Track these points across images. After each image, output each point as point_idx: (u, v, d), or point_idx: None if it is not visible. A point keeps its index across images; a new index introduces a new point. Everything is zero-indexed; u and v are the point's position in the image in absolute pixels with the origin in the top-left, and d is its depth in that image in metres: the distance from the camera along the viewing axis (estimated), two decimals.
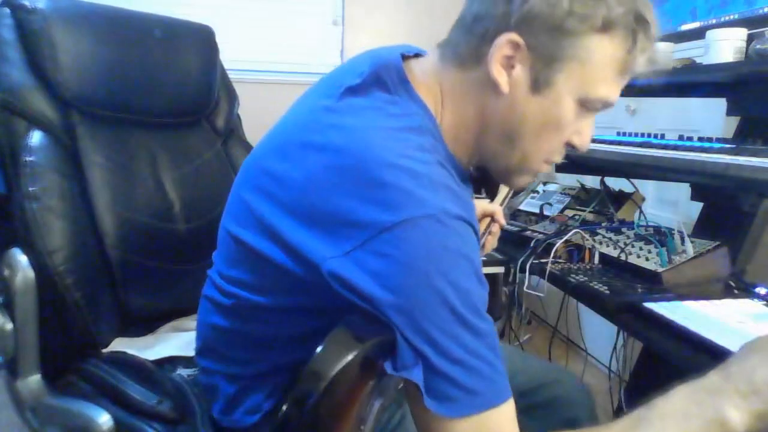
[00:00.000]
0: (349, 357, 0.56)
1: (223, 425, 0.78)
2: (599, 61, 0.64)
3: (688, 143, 1.04)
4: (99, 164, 1.04)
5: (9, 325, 0.91)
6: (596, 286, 0.99)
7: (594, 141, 1.17)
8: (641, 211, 1.38)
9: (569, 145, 0.71)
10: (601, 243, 1.18)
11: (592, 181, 1.56)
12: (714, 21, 1.23)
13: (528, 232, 1.34)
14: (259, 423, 0.75)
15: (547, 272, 1.11)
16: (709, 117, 1.68)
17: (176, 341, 1.03)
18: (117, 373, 0.90)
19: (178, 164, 1.18)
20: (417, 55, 0.74)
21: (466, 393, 0.55)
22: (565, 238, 1.17)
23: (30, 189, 0.93)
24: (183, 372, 0.93)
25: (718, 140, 1.03)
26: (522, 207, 1.55)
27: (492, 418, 0.56)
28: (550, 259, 1.14)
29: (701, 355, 0.76)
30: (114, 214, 1.04)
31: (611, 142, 1.18)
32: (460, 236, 0.58)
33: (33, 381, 0.92)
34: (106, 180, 1.05)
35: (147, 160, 1.13)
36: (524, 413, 0.61)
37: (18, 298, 0.90)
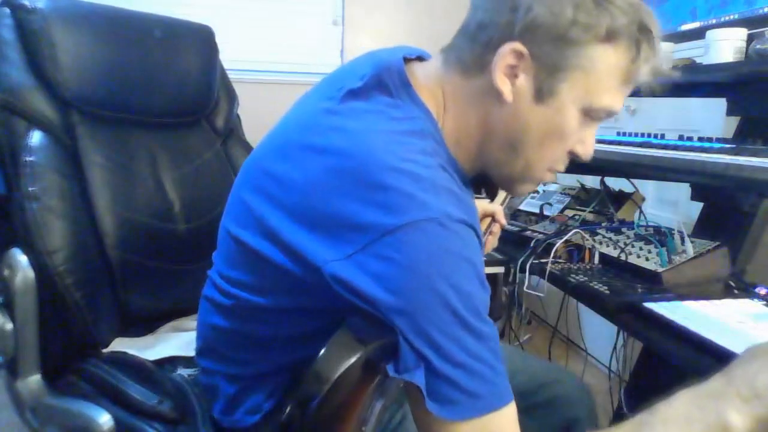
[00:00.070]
0: (352, 359, 0.57)
1: (224, 425, 0.78)
2: (603, 71, 0.64)
3: (688, 143, 1.04)
4: (99, 164, 1.04)
5: (9, 325, 0.91)
6: (596, 286, 1.00)
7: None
8: (641, 211, 1.38)
9: (572, 154, 0.71)
10: (601, 243, 1.18)
11: (592, 181, 1.56)
12: (714, 21, 1.22)
13: (528, 232, 1.34)
14: (260, 423, 0.75)
15: (547, 272, 1.11)
16: (709, 117, 1.68)
17: (176, 341, 1.03)
18: (117, 373, 0.90)
19: (178, 164, 1.18)
20: (419, 58, 0.73)
21: (467, 396, 0.56)
22: (565, 238, 1.17)
23: (30, 189, 0.93)
24: (183, 372, 0.93)
25: (718, 140, 1.03)
26: (522, 207, 1.55)
27: (494, 421, 0.57)
28: (550, 259, 1.14)
29: (701, 356, 0.76)
30: (114, 214, 1.04)
31: (611, 142, 1.18)
32: (463, 240, 0.58)
33: (33, 381, 0.92)
34: (106, 180, 1.05)
35: (147, 160, 1.13)
36: (524, 413, 0.61)
37: (18, 298, 0.90)
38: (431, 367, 0.55)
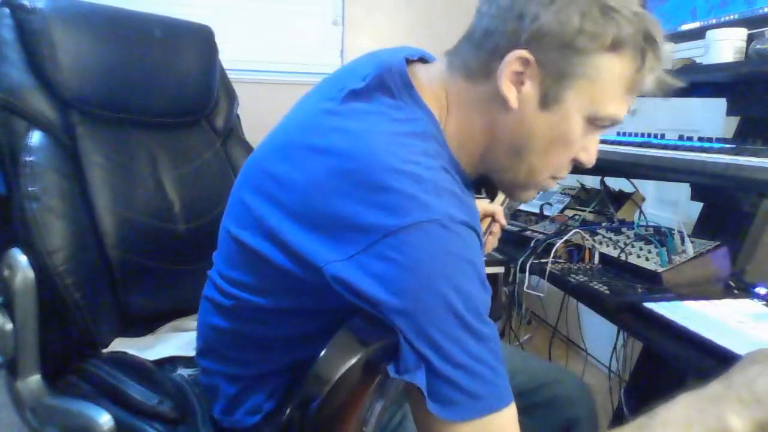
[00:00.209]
0: (352, 360, 0.57)
1: (224, 425, 0.78)
2: (608, 80, 0.64)
3: (688, 143, 1.04)
4: (99, 164, 1.04)
5: (9, 325, 0.90)
6: (596, 286, 1.00)
7: None
8: (641, 211, 1.38)
9: (576, 161, 0.71)
10: (601, 243, 1.18)
11: (592, 181, 1.56)
12: (714, 21, 1.23)
13: (528, 232, 1.34)
14: (260, 423, 0.75)
15: (547, 272, 1.11)
16: (709, 117, 1.68)
17: (176, 341, 1.03)
18: (117, 373, 0.90)
19: (177, 164, 1.18)
20: (421, 59, 0.73)
21: (468, 397, 0.56)
22: (565, 238, 1.17)
23: (30, 189, 0.93)
24: (183, 372, 0.93)
25: (718, 140, 1.03)
26: (522, 207, 1.55)
27: (494, 422, 0.57)
28: (550, 259, 1.14)
29: (701, 356, 0.76)
30: (114, 214, 1.04)
31: (611, 142, 1.18)
32: (464, 241, 0.58)
33: (33, 381, 0.92)
34: (106, 180, 1.05)
35: (147, 160, 1.13)
36: (524, 413, 0.61)
37: (18, 298, 0.90)
38: (432, 367, 0.56)
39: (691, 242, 1.04)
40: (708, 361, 0.74)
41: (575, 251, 1.17)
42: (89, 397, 0.87)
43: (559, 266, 1.14)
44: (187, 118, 1.25)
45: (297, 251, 0.61)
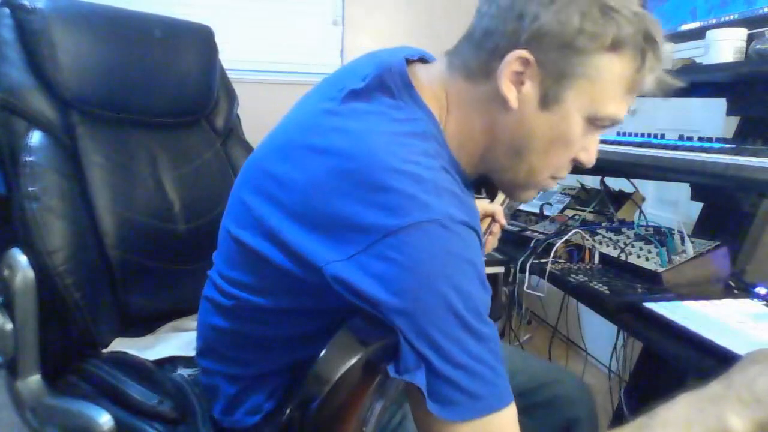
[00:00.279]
0: (352, 360, 0.56)
1: (224, 425, 0.78)
2: (608, 80, 0.64)
3: (688, 143, 1.04)
4: (99, 164, 1.04)
5: (9, 325, 0.90)
6: (596, 286, 1.00)
7: None
8: (641, 211, 1.38)
9: (576, 161, 0.71)
10: (601, 243, 1.18)
11: (592, 181, 1.56)
12: (714, 21, 1.23)
13: (528, 232, 1.34)
14: (260, 423, 0.75)
15: (547, 272, 1.11)
16: (709, 117, 1.68)
17: (176, 341, 1.03)
18: (117, 373, 0.90)
19: (177, 164, 1.18)
20: (421, 59, 0.73)
21: (468, 397, 0.56)
22: (565, 238, 1.17)
23: (30, 189, 0.93)
24: (183, 372, 0.93)
25: (718, 140, 1.03)
26: (522, 207, 1.55)
27: (494, 422, 0.57)
28: (550, 259, 1.14)
29: (701, 356, 0.76)
30: (114, 214, 1.04)
31: (611, 142, 1.18)
32: (464, 241, 0.58)
33: (33, 381, 0.92)
34: (106, 180, 1.05)
35: (147, 160, 1.13)
36: (524, 413, 0.61)
37: (18, 298, 0.90)
38: (432, 367, 0.56)
39: (691, 242, 1.04)
40: (708, 361, 0.74)
41: (575, 251, 1.17)
42: (89, 397, 0.87)
43: (559, 266, 1.14)
44: (187, 118, 1.25)
45: (297, 251, 0.61)
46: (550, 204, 1.50)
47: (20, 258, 0.91)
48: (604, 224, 1.28)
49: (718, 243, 1.04)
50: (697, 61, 1.22)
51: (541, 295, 1.12)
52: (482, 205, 1.08)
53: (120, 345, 1.01)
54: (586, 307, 1.02)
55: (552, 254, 1.14)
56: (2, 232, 0.95)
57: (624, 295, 0.95)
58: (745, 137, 1.12)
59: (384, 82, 0.66)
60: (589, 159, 0.71)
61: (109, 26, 1.10)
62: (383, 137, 0.61)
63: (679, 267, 1.01)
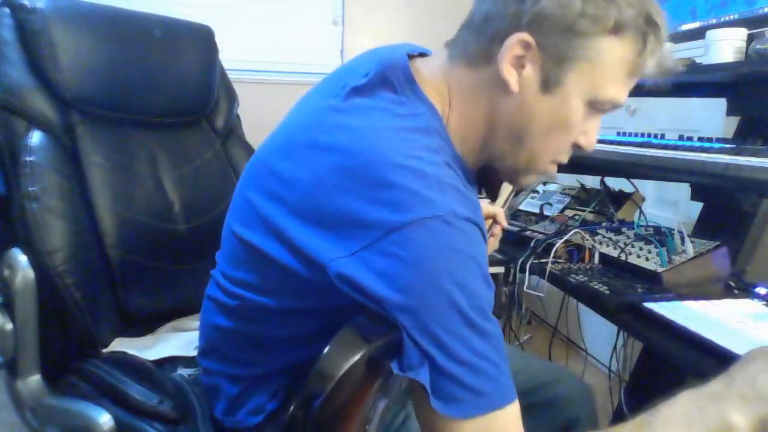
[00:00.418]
0: (356, 357, 0.56)
1: (226, 426, 0.78)
2: (609, 63, 0.64)
3: (688, 143, 1.04)
4: (99, 164, 1.04)
5: (9, 325, 0.90)
6: (596, 286, 0.99)
7: None
8: (641, 211, 1.38)
9: (576, 146, 0.71)
10: (601, 243, 1.18)
11: (592, 181, 1.56)
12: (714, 21, 1.23)
13: (528, 232, 1.34)
14: (262, 424, 0.75)
15: (547, 272, 1.11)
16: (709, 117, 1.68)
17: (176, 341, 1.03)
18: (117, 373, 0.90)
19: (177, 164, 1.18)
20: (422, 55, 0.73)
21: (472, 394, 0.56)
22: (565, 238, 1.17)
23: (30, 189, 0.93)
24: (183, 372, 0.93)
25: (718, 140, 1.03)
26: (522, 207, 1.55)
27: (498, 419, 0.57)
28: (550, 259, 1.14)
29: (701, 356, 0.76)
30: (114, 214, 1.04)
31: (611, 142, 1.18)
32: (468, 237, 0.58)
33: (33, 381, 0.92)
34: (106, 180, 1.05)
35: (147, 160, 1.13)
36: (524, 413, 0.61)
37: (18, 298, 0.90)
38: (436, 364, 0.56)
39: (691, 242, 1.04)
40: (708, 361, 0.74)
41: (575, 251, 1.17)
42: (89, 397, 0.87)
43: (559, 266, 1.14)
44: (187, 118, 1.25)
45: (302, 249, 0.61)
46: (550, 204, 1.50)
47: (20, 258, 0.91)
48: (604, 224, 1.28)
49: (718, 243, 1.04)
50: (697, 61, 1.21)
51: (541, 295, 1.12)
52: (483, 206, 1.08)
53: (120, 345, 1.01)
54: (586, 307, 1.02)
55: (552, 254, 1.14)
56: (2, 232, 0.95)
57: (624, 295, 0.95)
58: (745, 137, 1.12)
59: (386, 77, 0.66)
60: (589, 143, 0.71)
61: (109, 26, 1.10)
62: (386, 133, 0.61)
63: (679, 267, 1.01)
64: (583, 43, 0.63)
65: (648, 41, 0.64)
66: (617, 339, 1.47)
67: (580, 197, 1.48)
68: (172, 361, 0.97)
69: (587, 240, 1.18)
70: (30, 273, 0.91)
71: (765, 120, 1.19)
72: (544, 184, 1.62)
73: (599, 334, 1.95)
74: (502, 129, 0.69)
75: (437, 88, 0.69)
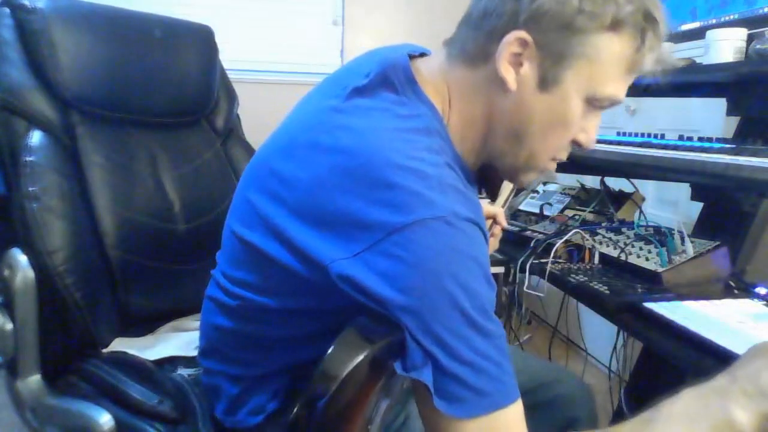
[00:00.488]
0: (360, 358, 0.56)
1: (226, 426, 0.78)
2: (607, 60, 0.64)
3: (688, 143, 1.04)
4: (99, 164, 1.04)
5: (9, 325, 0.90)
6: (596, 286, 0.99)
7: None
8: (641, 211, 1.38)
9: (575, 143, 0.71)
10: (601, 243, 1.18)
11: (592, 181, 1.56)
12: (714, 21, 1.23)
13: (528, 232, 1.34)
14: (263, 424, 0.75)
15: (547, 272, 1.11)
16: (709, 117, 1.68)
17: (176, 341, 1.03)
18: (117, 373, 0.90)
19: (177, 164, 1.18)
20: (422, 55, 0.73)
21: (475, 394, 0.56)
22: (565, 238, 1.17)
23: (30, 189, 0.93)
24: (183, 372, 0.93)
25: (718, 140, 1.03)
26: (522, 207, 1.55)
27: (500, 419, 0.57)
28: (550, 259, 1.14)
29: (701, 356, 0.76)
30: (114, 214, 1.04)
31: (611, 142, 1.18)
32: (470, 238, 0.58)
33: (33, 381, 0.92)
34: (106, 180, 1.05)
35: (147, 160, 1.13)
36: (524, 412, 0.61)
37: (18, 298, 0.90)
38: (439, 365, 0.56)
39: (691, 242, 1.04)
40: (708, 360, 0.74)
41: (575, 251, 1.17)
42: (89, 397, 0.87)
43: (559, 266, 1.14)
44: (187, 118, 1.25)
45: (302, 249, 0.61)
46: (550, 204, 1.50)
47: (20, 258, 0.91)
48: (604, 224, 1.28)
49: (718, 243, 1.04)
50: (697, 61, 1.22)
51: (541, 295, 1.12)
52: (483, 206, 1.08)
53: (120, 345, 1.01)
54: (586, 307, 1.02)
55: (552, 254, 1.14)
56: (2, 232, 0.95)
57: (624, 295, 0.95)
58: (745, 137, 1.12)
59: (387, 78, 0.66)
60: (589, 140, 0.71)
61: (109, 26, 1.10)
62: (387, 134, 0.61)
63: (679, 267, 1.01)
64: (581, 41, 0.62)
65: (647, 37, 0.64)
66: (617, 339, 1.48)
67: (580, 197, 1.48)
68: (172, 361, 0.97)
69: (587, 240, 1.18)
70: (30, 273, 0.91)
71: (765, 120, 1.19)
72: (544, 184, 1.62)
73: (599, 334, 1.95)
74: (501, 127, 0.69)
75: (437, 88, 0.69)
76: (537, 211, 1.47)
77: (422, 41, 0.77)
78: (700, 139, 1.07)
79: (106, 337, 1.01)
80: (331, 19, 2.63)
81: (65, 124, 1.02)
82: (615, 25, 0.62)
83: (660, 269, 1.01)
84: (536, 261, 1.16)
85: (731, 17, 1.18)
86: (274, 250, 0.64)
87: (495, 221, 1.10)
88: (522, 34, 0.62)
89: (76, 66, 1.03)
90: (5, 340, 0.91)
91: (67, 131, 1.02)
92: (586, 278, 1.04)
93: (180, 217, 1.15)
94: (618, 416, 1.42)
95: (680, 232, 1.08)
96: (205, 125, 1.28)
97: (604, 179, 1.43)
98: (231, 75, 1.34)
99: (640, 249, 1.11)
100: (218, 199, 1.20)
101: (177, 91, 1.22)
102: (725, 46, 1.12)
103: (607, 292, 0.97)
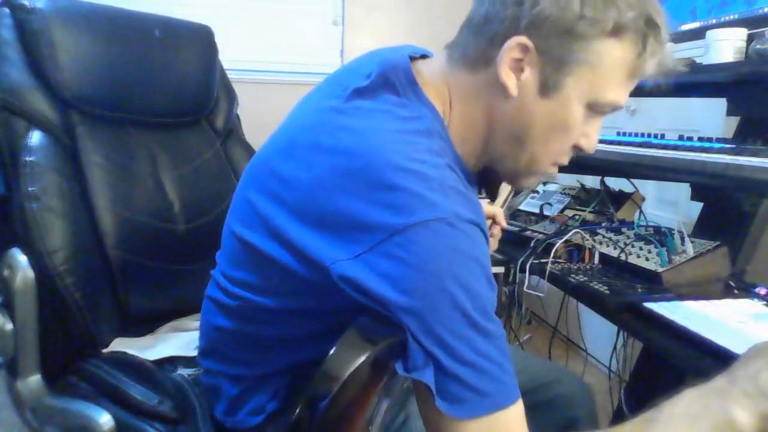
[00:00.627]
0: (361, 359, 0.57)
1: (227, 426, 0.78)
2: (609, 65, 0.63)
3: (688, 143, 1.04)
4: (99, 164, 1.04)
5: (9, 325, 0.90)
6: (596, 286, 0.99)
7: None
8: (641, 211, 1.38)
9: (576, 148, 0.71)
10: (601, 243, 1.18)
11: (592, 181, 1.56)
12: (714, 21, 1.23)
13: (528, 232, 1.34)
14: (263, 424, 0.75)
15: (547, 272, 1.11)
16: (709, 117, 1.68)
17: (176, 341, 1.03)
18: (117, 373, 0.90)
19: (177, 164, 1.18)
20: (423, 56, 0.73)
21: (476, 394, 0.56)
22: (565, 238, 1.17)
23: (30, 189, 0.93)
24: (183, 372, 0.93)
25: (718, 140, 1.03)
26: (522, 207, 1.55)
27: (501, 420, 0.57)
28: (550, 259, 1.14)
29: (701, 356, 0.76)
30: (114, 214, 1.04)
31: (611, 142, 1.18)
32: (471, 239, 0.58)
33: (33, 381, 0.92)
34: (106, 180, 1.05)
35: (147, 160, 1.13)
36: (525, 412, 0.61)
37: (18, 298, 0.90)
38: (440, 365, 0.56)
39: (691, 242, 1.04)
40: (708, 361, 0.74)
41: (575, 251, 1.17)
42: (89, 397, 0.87)
43: (559, 266, 1.14)
44: (187, 118, 1.25)
45: (303, 250, 0.61)
46: (550, 204, 1.50)
47: (20, 258, 0.91)
48: (604, 224, 1.28)
49: (718, 243, 1.04)
50: (697, 61, 1.21)
51: (541, 295, 1.12)
52: (482, 206, 1.08)
53: (120, 345, 1.01)
54: (586, 307, 1.02)
55: (552, 254, 1.14)
56: (2, 232, 0.95)
57: (624, 295, 0.95)
58: (745, 137, 1.12)
59: (388, 79, 0.66)
60: (590, 145, 0.71)
61: (109, 26, 1.10)
62: (388, 135, 0.61)
63: (679, 267, 1.01)
64: (582, 46, 0.62)
65: (648, 43, 0.64)
66: (617, 339, 1.47)
67: (580, 197, 1.48)
68: (172, 361, 0.97)
69: (587, 240, 1.18)
70: (30, 273, 0.91)
71: (765, 120, 1.19)
72: (544, 184, 1.62)
73: (599, 334, 1.95)
74: (502, 132, 0.69)
75: (438, 90, 0.69)
76: (537, 211, 1.47)
77: (422, 42, 0.77)
78: (700, 139, 1.07)
79: (106, 337, 1.01)
80: (331, 19, 2.63)
81: (65, 124, 1.02)
82: (616, 31, 0.62)
83: (660, 269, 1.01)
84: (536, 261, 1.16)
85: (731, 17, 1.18)
86: (274, 251, 0.64)
87: (494, 221, 1.10)
88: (523, 39, 0.62)
89: (75, 66, 1.03)
90: (5, 340, 0.91)
91: (66, 131, 1.02)
92: (586, 278, 1.04)
93: (180, 217, 1.15)
94: (618, 416, 1.42)
95: (680, 232, 1.08)
96: (205, 125, 1.28)
97: (604, 179, 1.43)
98: (231, 75, 1.35)
99: (640, 249, 1.11)
100: (218, 199, 1.20)
101: (177, 91, 1.22)
102: (725, 46, 1.12)
103: (607, 292, 0.97)
